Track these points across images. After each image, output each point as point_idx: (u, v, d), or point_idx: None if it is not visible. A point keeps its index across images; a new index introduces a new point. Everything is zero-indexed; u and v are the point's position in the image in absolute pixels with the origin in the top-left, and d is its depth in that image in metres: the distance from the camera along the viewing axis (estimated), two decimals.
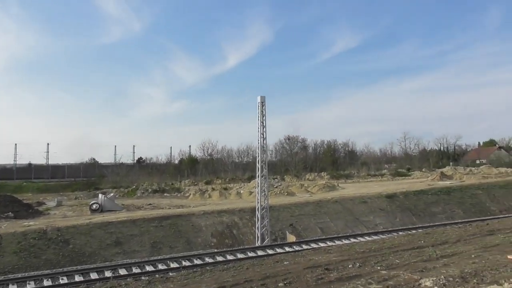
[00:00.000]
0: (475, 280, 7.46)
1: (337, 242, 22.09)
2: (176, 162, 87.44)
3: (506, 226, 14.74)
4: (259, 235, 24.61)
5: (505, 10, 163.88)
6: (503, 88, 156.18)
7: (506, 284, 7.11)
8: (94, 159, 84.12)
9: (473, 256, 9.66)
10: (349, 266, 9.18)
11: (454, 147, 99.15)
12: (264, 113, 24.58)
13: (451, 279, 7.55)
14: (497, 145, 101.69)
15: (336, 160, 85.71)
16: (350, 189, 45.76)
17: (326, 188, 46.44)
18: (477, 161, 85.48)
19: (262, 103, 24.50)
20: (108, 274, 17.33)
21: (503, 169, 61.47)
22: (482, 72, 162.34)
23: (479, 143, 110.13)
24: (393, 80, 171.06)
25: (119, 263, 19.29)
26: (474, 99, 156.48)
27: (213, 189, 48.35)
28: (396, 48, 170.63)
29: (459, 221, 29.61)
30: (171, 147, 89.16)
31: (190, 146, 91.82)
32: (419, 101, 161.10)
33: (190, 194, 46.42)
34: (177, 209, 32.24)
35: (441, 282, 7.35)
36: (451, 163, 78.52)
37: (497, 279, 7.47)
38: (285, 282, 7.98)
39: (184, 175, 70.85)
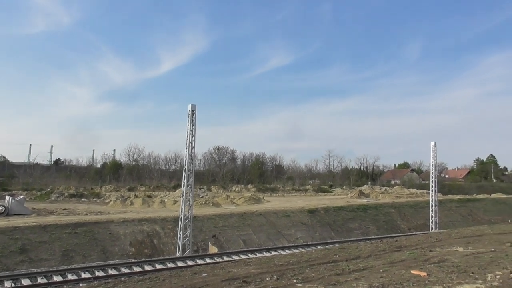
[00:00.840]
0: None
1: (258, 255, 22.31)
2: (98, 166, 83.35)
3: (412, 243, 15.89)
4: (180, 245, 24.09)
5: (423, 44, 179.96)
6: (418, 115, 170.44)
7: None
8: (4, 157, 77.34)
9: (381, 270, 10.24)
10: (267, 279, 9.28)
11: (373, 167, 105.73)
12: (194, 122, 24.35)
13: None
14: (410, 168, 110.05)
15: (263, 173, 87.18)
16: (275, 202, 46.65)
17: (252, 200, 46.92)
18: (392, 182, 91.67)
19: (193, 112, 24.26)
20: (8, 284, 15.81)
21: (413, 190, 66.54)
22: (401, 100, 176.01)
23: (394, 165, 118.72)
24: (321, 100, 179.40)
25: (22, 273, 17.69)
26: (393, 124, 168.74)
27: (136, 196, 46.65)
28: (325, 71, 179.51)
29: (373, 237, 31.41)
30: (93, 150, 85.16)
31: (114, 150, 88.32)
32: (344, 121, 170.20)
33: (110, 200, 44.34)
34: (94, 216, 30.59)
35: None
36: (369, 182, 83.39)
37: None
38: None
39: (106, 180, 67.66)
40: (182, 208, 24.53)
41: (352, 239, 30.66)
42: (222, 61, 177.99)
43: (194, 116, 24.35)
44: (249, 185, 70.81)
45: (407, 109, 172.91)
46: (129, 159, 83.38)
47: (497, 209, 50.09)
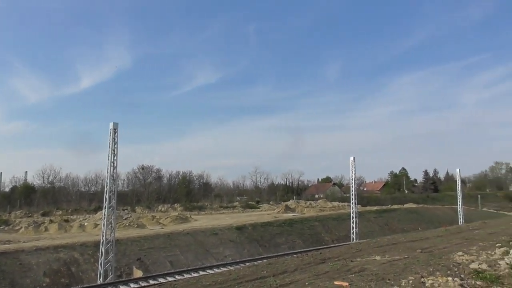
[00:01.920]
0: None
1: (186, 276, 21.79)
2: (7, 190, 76.26)
3: (335, 254, 16.55)
4: (102, 271, 22.74)
5: (342, 65, 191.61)
6: (339, 132, 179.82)
7: None
8: None
9: (306, 283, 10.53)
10: None
11: (298, 182, 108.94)
12: (116, 140, 23.42)
13: None
14: (332, 182, 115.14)
15: (190, 192, 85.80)
16: (202, 221, 46.05)
17: (179, 220, 45.87)
18: (316, 196, 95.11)
19: (115, 130, 23.35)
20: None
21: (336, 203, 69.57)
22: (323, 117, 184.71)
23: (318, 179, 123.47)
24: (248, 117, 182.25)
25: None
26: (316, 140, 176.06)
27: (51, 221, 43.34)
28: (252, 89, 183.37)
29: (299, 250, 32.21)
30: (0, 173, 77.44)
31: (26, 172, 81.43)
32: (270, 138, 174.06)
33: (21, 227, 40.66)
34: (1, 246, 27.81)
35: None
36: (294, 197, 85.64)
37: None
38: None
39: (17, 205, 62.03)
40: (103, 232, 23.26)
41: (280, 253, 31.16)
42: (147, 78, 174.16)
43: (116, 134, 23.44)
44: (176, 204, 69.23)
45: (329, 126, 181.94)
46: (43, 182, 77.45)
47: (409, 218, 54.13)
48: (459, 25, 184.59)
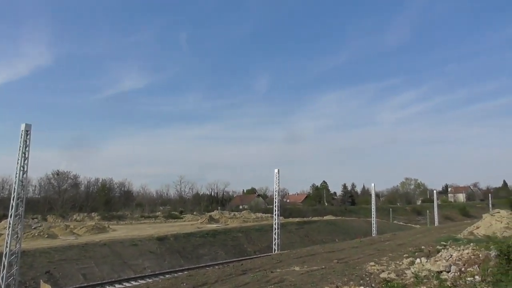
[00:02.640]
0: None
1: None
2: None
3: (256, 265, 16.72)
4: (3, 286, 20.67)
5: (272, 79, 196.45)
6: (266, 144, 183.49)
7: None
8: None
9: None
10: None
11: (223, 193, 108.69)
12: (28, 143, 21.64)
13: None
14: (256, 193, 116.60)
15: (110, 200, 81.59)
16: (122, 231, 44.00)
17: (96, 230, 43.37)
18: (240, 207, 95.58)
19: (27, 132, 21.59)
20: None
21: (260, 214, 70.41)
22: (251, 128, 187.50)
23: (243, 190, 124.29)
24: (175, 125, 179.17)
25: None
26: (243, 151, 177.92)
27: None
28: (182, 97, 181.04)
29: (221, 262, 32.06)
30: None
31: None
32: (197, 148, 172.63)
33: None
34: None
35: None
36: (219, 207, 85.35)
37: None
38: None
39: None
40: (7, 242, 21.21)
41: (201, 265, 30.75)
42: (69, 79, 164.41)
43: (28, 137, 21.68)
44: (93, 213, 65.47)
45: (257, 138, 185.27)
46: None
47: (328, 229, 56.46)
48: (378, 50, 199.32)
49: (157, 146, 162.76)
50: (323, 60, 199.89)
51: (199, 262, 34.00)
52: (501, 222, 22.81)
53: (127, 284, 21.68)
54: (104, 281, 24.06)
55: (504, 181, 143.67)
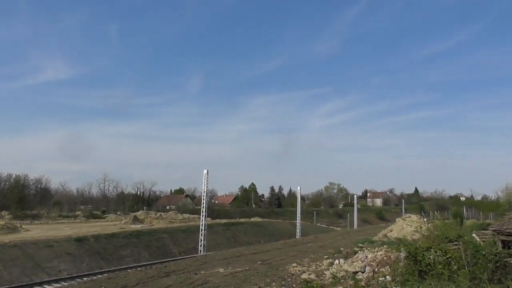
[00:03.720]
0: None
1: None
2: None
3: (180, 267, 16.55)
4: None
5: (205, 80, 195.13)
6: (196, 144, 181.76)
7: None
8: None
9: None
10: None
11: (150, 192, 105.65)
12: None
13: None
14: (184, 194, 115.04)
15: (24, 198, 75.61)
16: (36, 231, 41.00)
17: (6, 229, 39.98)
18: (168, 207, 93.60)
19: None
20: None
21: (187, 215, 69.50)
22: (181, 129, 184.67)
23: (171, 190, 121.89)
24: (102, 121, 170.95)
25: None
26: (172, 151, 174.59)
27: None
28: (109, 91, 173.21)
29: (144, 263, 31.18)
30: None
31: None
32: (124, 145, 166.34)
33: None
34: None
35: None
36: (145, 207, 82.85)
37: None
38: None
39: None
40: None
41: (123, 267, 29.66)
42: None
43: None
44: (4, 211, 60.32)
45: (186, 138, 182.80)
46: None
47: (254, 231, 57.32)
48: (308, 58, 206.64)
49: (79, 141, 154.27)
50: (256, 65, 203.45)
51: (121, 264, 32.74)
52: (411, 226, 24.76)
53: None
54: (13, 285, 22.29)
55: (416, 188, 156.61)
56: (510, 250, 13.41)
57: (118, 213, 74.02)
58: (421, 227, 22.27)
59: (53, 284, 21.88)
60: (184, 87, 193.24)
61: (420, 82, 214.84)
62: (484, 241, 15.55)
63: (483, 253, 12.79)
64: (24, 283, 23.14)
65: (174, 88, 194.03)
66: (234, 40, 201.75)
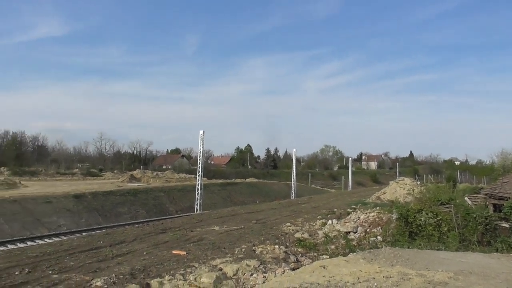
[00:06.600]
0: (142, 275, 8.19)
1: (11, 246, 19.54)
2: None
3: (177, 224, 16.92)
4: None
5: (201, 39, 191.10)
6: (191, 105, 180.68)
7: (167, 276, 8.13)
8: None
9: (145, 253, 10.57)
10: (16, 273, 8.29)
11: (146, 152, 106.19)
12: None
13: (121, 276, 8.00)
14: (181, 154, 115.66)
15: (21, 155, 75.91)
16: (35, 187, 41.49)
17: (5, 185, 40.45)
18: (164, 166, 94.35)
19: None
20: None
21: (183, 175, 70.22)
22: (176, 88, 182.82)
23: (167, 150, 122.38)
24: (97, 79, 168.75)
25: None
26: (167, 111, 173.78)
27: None
28: (103, 49, 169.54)
29: (141, 220, 31.83)
30: None
31: None
32: (120, 104, 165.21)
33: None
34: None
35: (111, 281, 7.67)
36: (141, 166, 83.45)
37: (160, 272, 8.46)
38: None
39: None
40: None
41: (120, 223, 30.25)
42: None
43: None
44: (3, 168, 60.72)
45: (182, 98, 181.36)
46: None
47: (249, 191, 58.19)
48: (307, 18, 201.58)
49: (74, 100, 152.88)
50: (253, 25, 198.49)
51: (118, 220, 33.39)
52: (404, 189, 25.21)
53: (40, 242, 20.74)
54: (15, 238, 22.81)
55: (411, 152, 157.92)
56: (501, 214, 13.77)
57: (115, 171, 74.62)
58: (413, 190, 22.66)
59: (53, 238, 22.35)
60: (180, 46, 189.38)
61: (420, 44, 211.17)
62: (475, 204, 15.91)
63: (474, 215, 13.12)
64: (25, 236, 23.65)
65: (170, 47, 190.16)
66: None
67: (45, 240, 21.91)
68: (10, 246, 19.73)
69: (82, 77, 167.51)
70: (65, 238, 20.89)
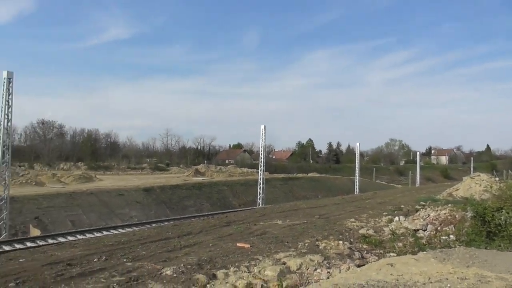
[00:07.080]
0: (208, 266, 8.45)
1: (88, 235, 21.07)
2: None
3: (240, 218, 17.22)
4: None
5: (261, 34, 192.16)
6: (253, 100, 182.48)
7: (232, 268, 8.31)
8: None
9: (210, 245, 10.88)
10: (94, 260, 8.92)
11: (209, 147, 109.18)
12: (11, 91, 21.43)
13: (189, 266, 8.31)
14: (242, 148, 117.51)
15: (96, 151, 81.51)
16: (108, 181, 44.41)
17: (83, 179, 43.73)
18: (226, 161, 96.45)
19: (9, 80, 21.29)
20: None
21: (245, 169, 71.37)
22: (238, 84, 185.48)
23: (229, 145, 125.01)
24: (162, 78, 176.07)
25: None
26: (230, 107, 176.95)
27: None
28: (167, 48, 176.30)
29: (206, 213, 32.82)
30: None
31: None
32: (184, 101, 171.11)
33: None
34: None
35: (180, 270, 7.99)
36: (205, 161, 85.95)
37: (226, 264, 8.66)
38: (17, 282, 7.11)
39: None
40: None
41: (186, 216, 31.41)
42: (51, 26, 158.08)
43: (11, 84, 21.40)
44: (80, 163, 65.58)
45: (244, 94, 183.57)
46: None
47: (311, 186, 57.73)
48: (369, 8, 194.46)
49: (142, 98, 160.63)
50: (313, 17, 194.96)
51: (185, 213, 34.72)
52: (480, 185, 23.53)
53: (115, 231, 22.18)
54: (92, 228, 24.58)
55: (488, 146, 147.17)
56: None
57: (181, 166, 77.49)
58: (491, 187, 21.06)
59: (126, 228, 23.77)
60: (241, 42, 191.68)
61: (498, 28, 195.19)
62: None
63: None
64: (101, 226, 25.41)
65: (231, 44, 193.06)
66: None
67: (119, 230, 23.33)
68: (88, 235, 21.28)
69: (149, 75, 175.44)
70: (136, 228, 22.11)
